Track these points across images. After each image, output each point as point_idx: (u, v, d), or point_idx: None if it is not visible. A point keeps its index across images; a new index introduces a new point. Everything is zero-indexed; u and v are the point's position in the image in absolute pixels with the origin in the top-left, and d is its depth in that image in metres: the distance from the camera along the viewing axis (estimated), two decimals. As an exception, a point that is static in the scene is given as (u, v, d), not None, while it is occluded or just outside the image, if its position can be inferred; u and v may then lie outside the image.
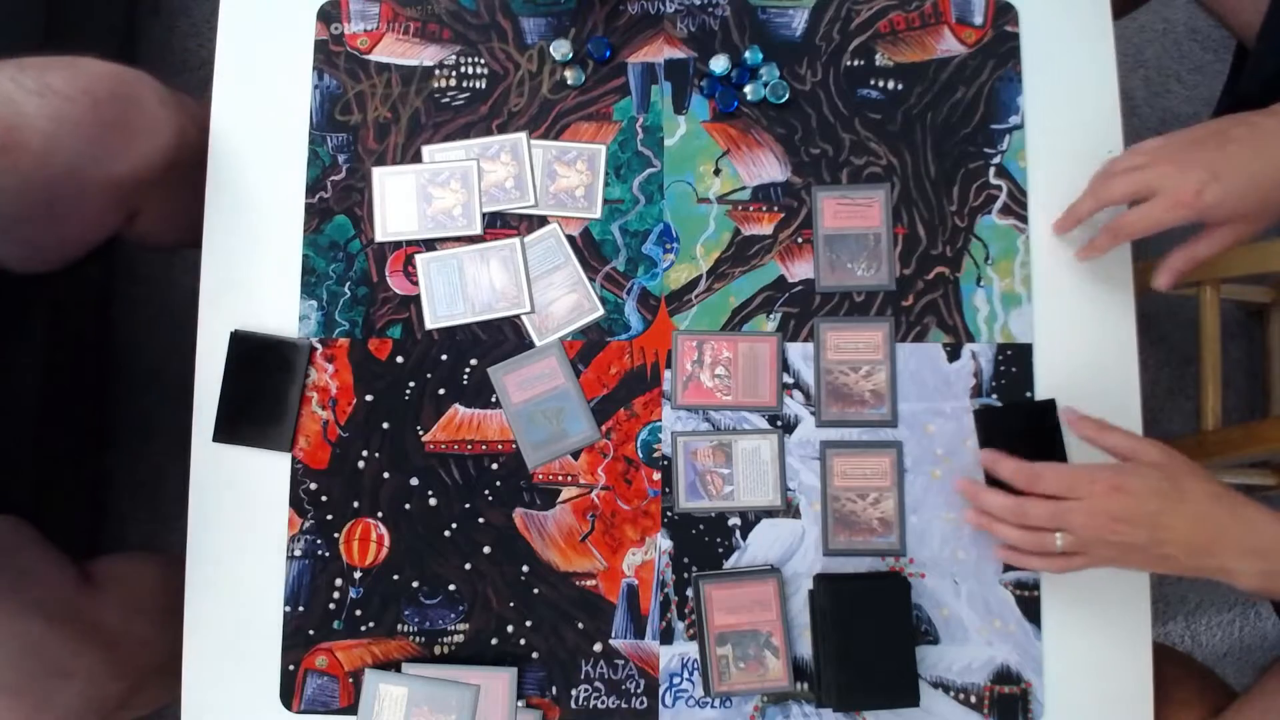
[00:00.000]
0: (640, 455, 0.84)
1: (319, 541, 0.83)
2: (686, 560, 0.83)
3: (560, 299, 0.86)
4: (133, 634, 0.87)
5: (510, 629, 0.82)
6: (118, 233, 0.91)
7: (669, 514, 0.83)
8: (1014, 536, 0.74)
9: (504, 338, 0.85)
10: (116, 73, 0.82)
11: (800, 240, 0.86)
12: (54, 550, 0.88)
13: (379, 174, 0.87)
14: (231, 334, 0.84)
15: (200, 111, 0.92)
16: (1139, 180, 0.75)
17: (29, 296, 1.02)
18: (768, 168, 0.87)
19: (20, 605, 0.79)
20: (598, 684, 0.81)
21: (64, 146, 0.76)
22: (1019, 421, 0.83)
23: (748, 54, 0.88)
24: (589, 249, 0.86)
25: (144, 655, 0.87)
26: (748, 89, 0.87)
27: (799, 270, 0.86)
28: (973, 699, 0.81)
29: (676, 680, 0.81)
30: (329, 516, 0.83)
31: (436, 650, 0.82)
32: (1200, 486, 0.69)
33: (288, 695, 0.81)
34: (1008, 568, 0.82)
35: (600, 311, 0.85)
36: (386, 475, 0.83)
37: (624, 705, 0.81)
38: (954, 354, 0.85)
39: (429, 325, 0.85)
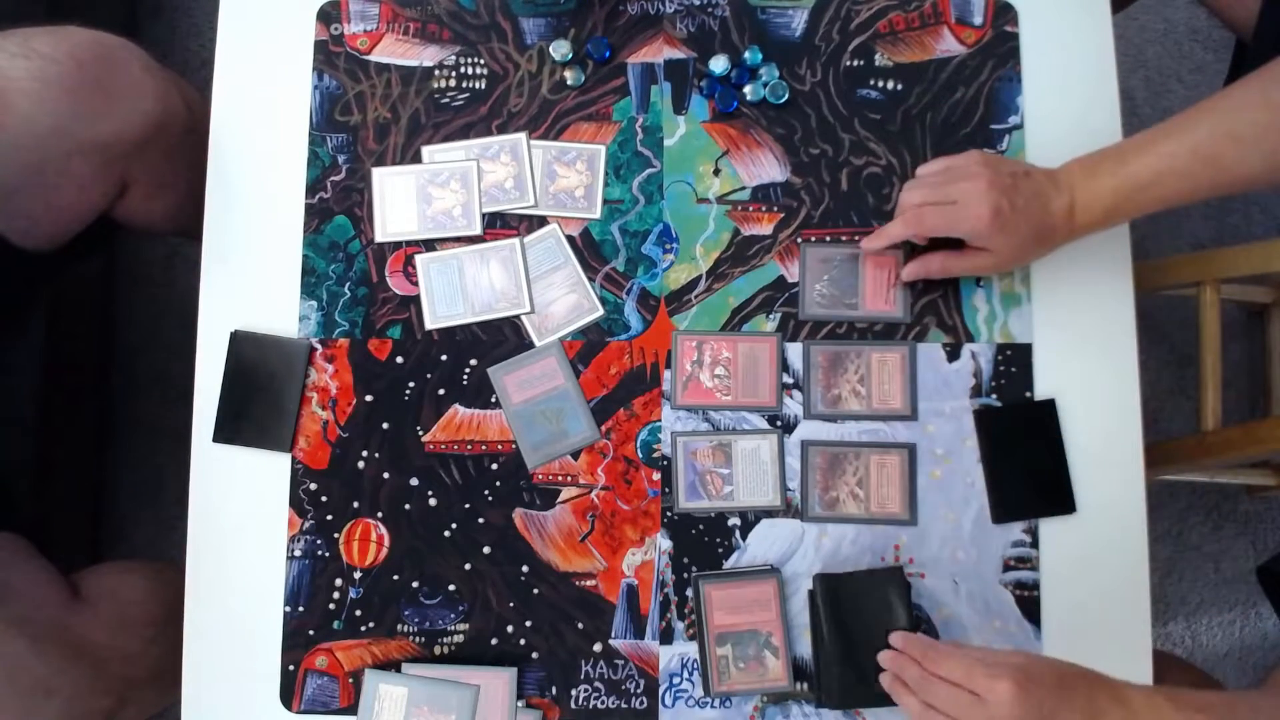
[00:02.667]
0: (640, 455, 0.84)
1: (319, 541, 0.83)
2: (686, 560, 0.83)
3: (560, 299, 0.86)
4: (119, 649, 0.87)
5: (510, 629, 0.82)
6: (111, 213, 0.92)
7: (669, 514, 0.83)
8: (917, 712, 0.71)
9: (504, 338, 0.85)
10: (99, 38, 0.84)
11: (800, 240, 0.86)
12: (44, 566, 0.88)
13: (379, 174, 0.87)
14: (231, 334, 0.84)
15: (188, 88, 0.93)
16: (943, 196, 0.78)
17: (30, 297, 1.02)
18: (767, 168, 0.87)
19: (4, 623, 0.80)
20: (598, 684, 0.81)
21: (49, 107, 0.78)
22: (1019, 422, 0.83)
23: (747, 54, 0.88)
24: (589, 249, 0.86)
25: (130, 670, 0.87)
26: (747, 89, 0.87)
27: (799, 270, 0.86)
28: (972, 699, 0.81)
29: (676, 680, 0.81)
30: (329, 516, 0.83)
31: (436, 650, 0.82)
32: (1090, 688, 0.68)
33: (288, 695, 0.81)
34: (1008, 568, 0.82)
35: (600, 312, 0.85)
36: (386, 475, 0.84)
37: (624, 705, 0.81)
38: (954, 354, 0.85)
39: (429, 325, 0.85)
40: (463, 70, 0.89)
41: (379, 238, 0.86)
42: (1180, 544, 1.42)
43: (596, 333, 0.85)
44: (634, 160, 0.87)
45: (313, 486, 0.83)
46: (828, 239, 0.86)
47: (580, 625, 0.82)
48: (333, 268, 0.86)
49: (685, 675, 0.81)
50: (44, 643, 0.81)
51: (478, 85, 0.88)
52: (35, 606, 0.84)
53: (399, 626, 0.82)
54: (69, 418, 1.28)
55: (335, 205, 0.87)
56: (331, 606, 0.82)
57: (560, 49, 0.88)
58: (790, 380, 0.85)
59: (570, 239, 0.86)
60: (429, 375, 0.85)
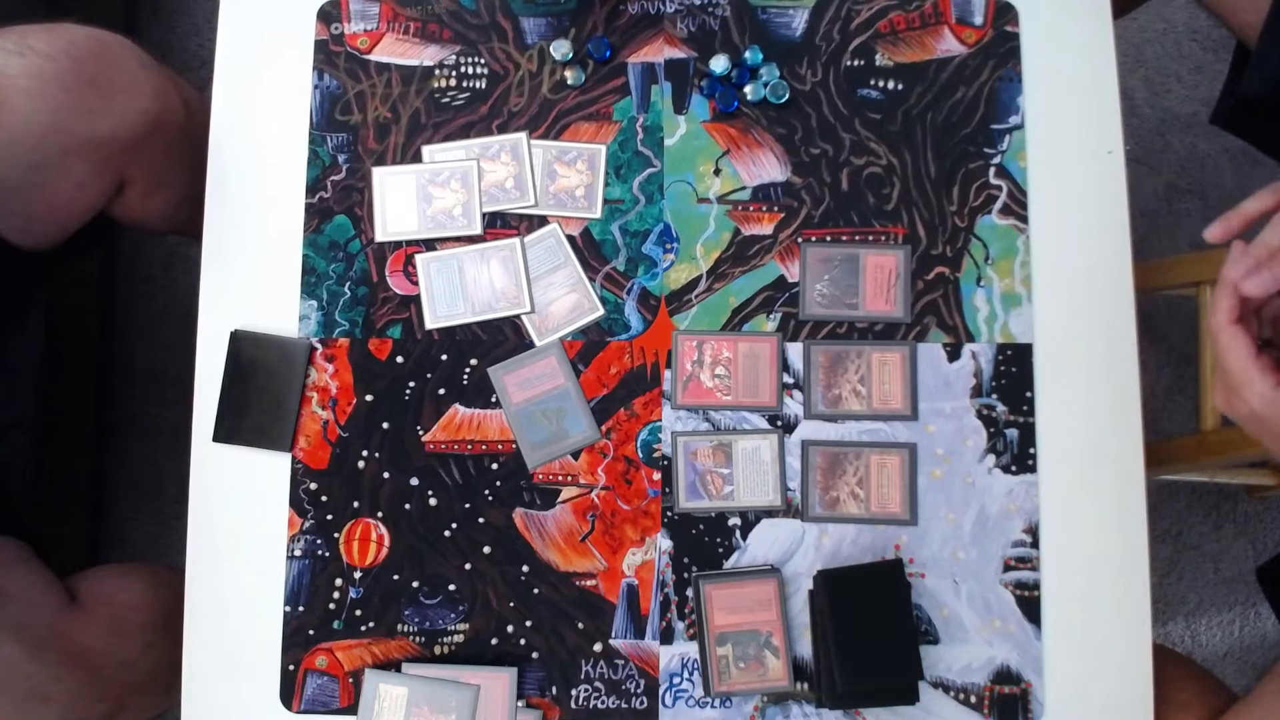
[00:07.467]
0: (640, 455, 0.84)
1: (319, 541, 0.83)
2: (686, 560, 0.83)
3: (560, 299, 0.86)
4: (116, 654, 0.86)
5: (510, 629, 0.82)
6: (109, 211, 0.92)
7: (669, 514, 0.83)
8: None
9: (504, 338, 0.85)
10: (95, 35, 0.84)
11: (800, 240, 0.86)
12: (40, 570, 0.88)
13: (379, 174, 0.87)
14: (231, 334, 0.84)
15: (185, 86, 0.93)
16: None
17: (28, 296, 1.02)
18: (768, 168, 0.87)
19: (0, 629, 0.80)
20: (598, 684, 0.81)
21: (46, 104, 0.78)
22: (863, 586, 0.80)
23: (748, 54, 0.88)
24: (589, 249, 0.86)
25: (127, 675, 0.87)
26: (748, 89, 0.87)
27: (799, 270, 0.86)
28: (973, 699, 0.81)
29: (676, 680, 0.81)
30: (329, 516, 0.83)
31: (436, 650, 0.82)
32: None
33: (288, 695, 0.81)
34: (1008, 568, 0.82)
35: (600, 311, 0.85)
36: (386, 475, 0.83)
37: (624, 705, 0.81)
38: (954, 354, 0.85)
39: (429, 325, 0.85)
40: (463, 70, 0.88)
41: (379, 237, 0.86)
42: (1180, 544, 1.42)
43: (597, 332, 0.85)
44: (634, 160, 0.87)
45: (313, 486, 0.83)
46: (828, 239, 0.86)
47: (580, 625, 0.82)
48: (333, 267, 0.86)
49: (685, 675, 0.81)
50: (40, 649, 0.81)
51: (478, 85, 0.88)
52: (31, 612, 0.84)
53: (399, 626, 0.82)
54: (67, 418, 1.28)
55: (335, 205, 0.87)
56: (331, 606, 0.82)
57: (560, 48, 0.88)
58: (790, 380, 0.85)
59: (570, 239, 0.86)
60: (429, 375, 0.85)
